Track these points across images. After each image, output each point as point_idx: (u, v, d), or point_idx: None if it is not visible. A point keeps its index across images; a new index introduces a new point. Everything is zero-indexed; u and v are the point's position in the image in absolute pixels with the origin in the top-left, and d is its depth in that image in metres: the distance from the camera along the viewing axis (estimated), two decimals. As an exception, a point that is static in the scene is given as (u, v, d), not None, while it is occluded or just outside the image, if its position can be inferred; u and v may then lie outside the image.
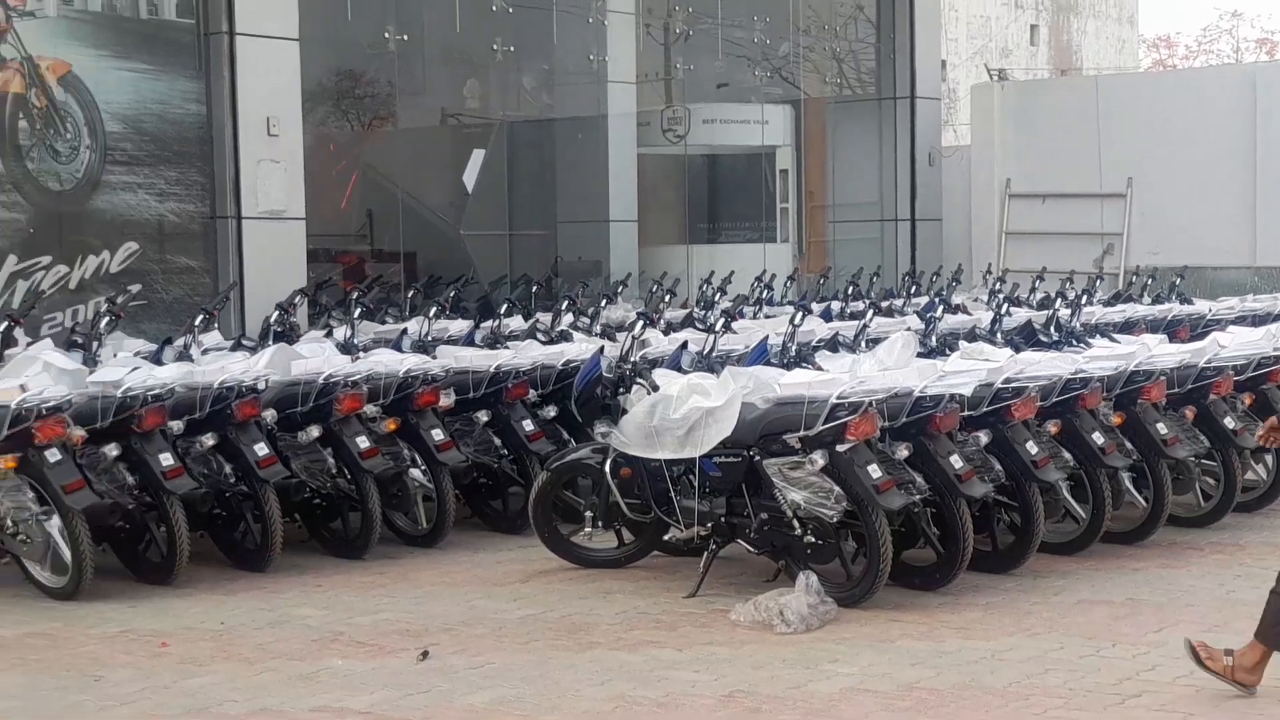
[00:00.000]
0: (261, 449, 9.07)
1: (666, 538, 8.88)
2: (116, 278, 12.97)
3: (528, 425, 10.28)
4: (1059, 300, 12.63)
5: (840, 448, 8.00)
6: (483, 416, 10.26)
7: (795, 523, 8.13)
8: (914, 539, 8.46)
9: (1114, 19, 43.96)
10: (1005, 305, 12.68)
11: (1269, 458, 10.61)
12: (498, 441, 10.25)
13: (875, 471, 7.99)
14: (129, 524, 8.88)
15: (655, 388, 8.75)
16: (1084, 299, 13.25)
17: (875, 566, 8.05)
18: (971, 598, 8.37)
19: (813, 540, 8.13)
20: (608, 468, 8.81)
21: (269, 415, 9.34)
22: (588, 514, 9.03)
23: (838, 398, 7.99)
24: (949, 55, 35.28)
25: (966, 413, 8.67)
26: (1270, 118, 18.63)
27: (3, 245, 12.39)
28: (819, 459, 7.99)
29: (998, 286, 15.50)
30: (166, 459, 8.70)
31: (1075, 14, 42.88)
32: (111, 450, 8.65)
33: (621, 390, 9.21)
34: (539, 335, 11.57)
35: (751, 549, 8.48)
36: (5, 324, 9.87)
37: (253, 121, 13.60)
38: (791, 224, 21.21)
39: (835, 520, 8.02)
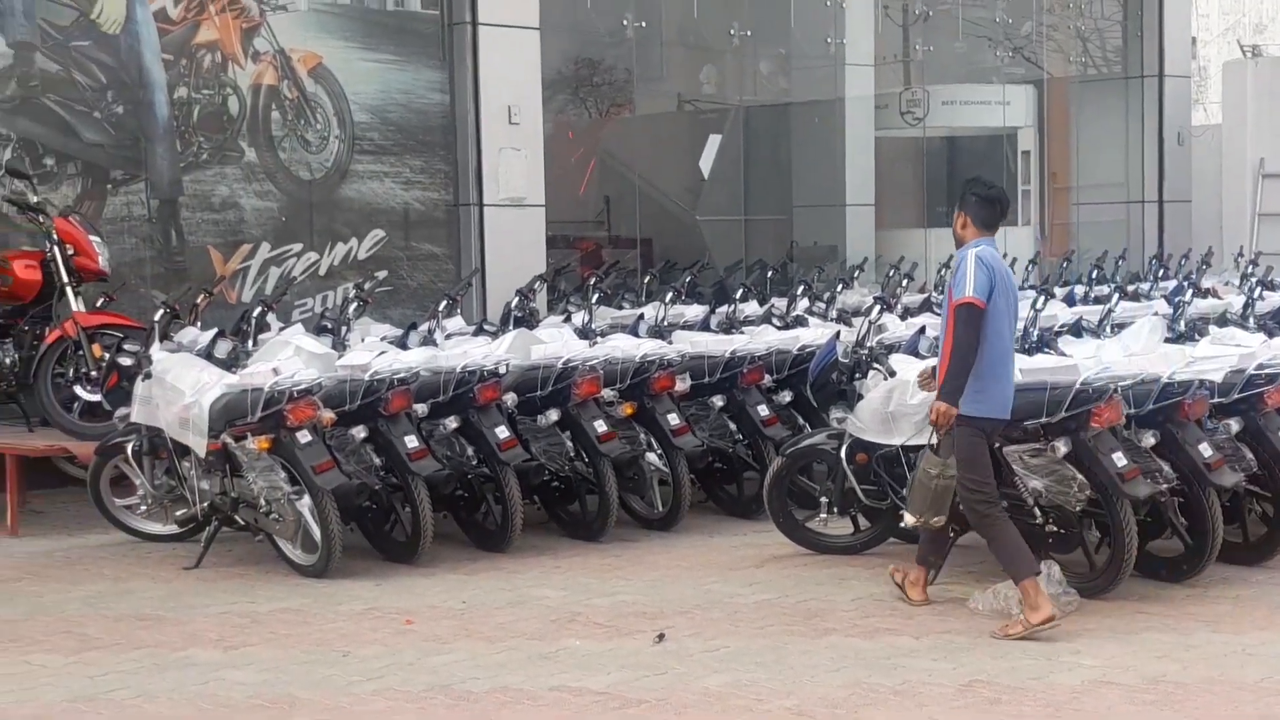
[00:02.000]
0: (502, 432, 9.23)
1: (903, 524, 8.79)
2: (364, 264, 13.32)
3: (763, 410, 10.27)
4: (1316, 283, 12.18)
5: (1084, 435, 7.82)
6: (718, 401, 10.29)
7: (1036, 511, 7.97)
8: (1160, 529, 8.24)
9: (1377, -10, 42.07)
10: (1258, 289, 12.28)
11: None
12: (733, 426, 10.28)
13: (1120, 459, 7.79)
14: (376, 504, 9.13)
15: (892, 373, 8.67)
16: (1343, 282, 12.75)
17: (1120, 557, 7.86)
18: (1220, 590, 8.12)
19: (1054, 529, 7.97)
20: (844, 453, 8.75)
21: (509, 399, 9.51)
22: (823, 500, 8.99)
23: (1082, 384, 7.81)
24: (1199, 32, 34.19)
25: (1217, 399, 8.42)
26: None
27: (257, 233, 12.81)
28: (1061, 446, 7.82)
29: (1250, 270, 15.00)
30: (411, 441, 8.90)
31: (1335, -15, 41.17)
32: (359, 432, 8.89)
33: (858, 376, 9.15)
34: (774, 320, 11.55)
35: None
36: (259, 309, 10.20)
37: (494, 110, 13.82)
38: (1034, 206, 20.78)
39: (1078, 509, 7.85)
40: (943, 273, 15.18)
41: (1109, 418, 7.82)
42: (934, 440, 7.73)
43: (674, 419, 9.83)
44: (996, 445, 8.00)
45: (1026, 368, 8.12)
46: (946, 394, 7.46)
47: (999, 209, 7.68)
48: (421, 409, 9.19)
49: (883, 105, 19.45)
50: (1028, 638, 7.26)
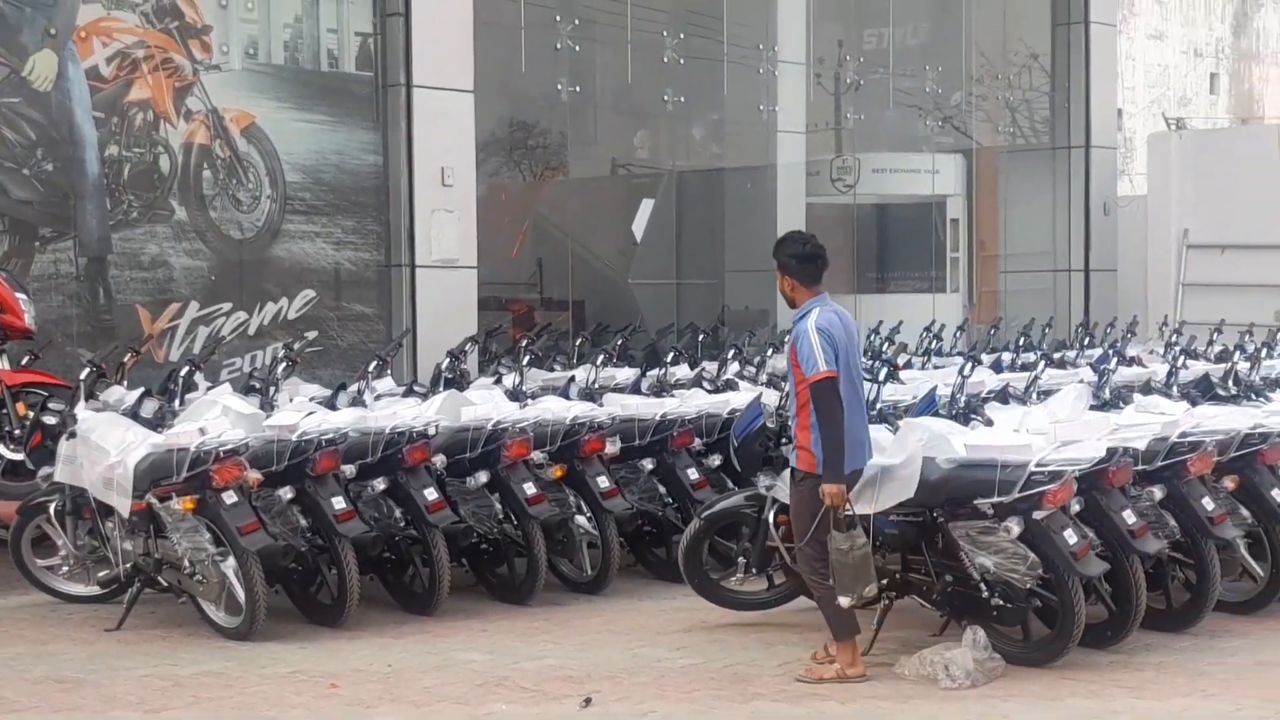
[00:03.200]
0: (431, 494, 9.20)
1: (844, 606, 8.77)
2: (294, 324, 13.27)
3: (692, 473, 10.29)
4: (1238, 353, 12.33)
5: (1037, 515, 7.81)
6: (648, 464, 10.30)
7: (983, 585, 7.94)
8: (1085, 596, 8.28)
9: (1298, 66, 42.91)
10: (1182, 358, 12.43)
11: None
12: (662, 489, 10.29)
13: (1072, 538, 7.81)
14: (301, 566, 9.06)
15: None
16: (1264, 352, 12.92)
17: (1069, 631, 7.86)
18: (1144, 657, 8.18)
19: (1000, 603, 7.93)
20: (771, 515, 8.74)
21: (439, 461, 9.48)
22: (740, 560, 8.99)
23: (1036, 465, 7.74)
24: (1125, 104, 34.72)
25: (1141, 467, 8.50)
26: None
27: (186, 292, 12.74)
28: (1015, 527, 7.76)
29: (1174, 339, 15.18)
30: (339, 502, 8.86)
31: (1257, 62, 41.95)
32: (286, 493, 8.84)
33: (784, 440, 9.16)
34: (705, 384, 11.57)
35: (928, 606, 8.36)
36: (186, 369, 10.12)
37: (428, 172, 13.84)
38: (962, 274, 20.99)
39: (1028, 586, 7.84)
40: (872, 338, 15.28)
41: (1062, 498, 7.82)
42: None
43: (604, 482, 9.84)
44: (941, 520, 8.00)
45: (971, 443, 8.11)
46: (830, 475, 7.55)
47: (819, 262, 7.85)
48: (349, 470, 9.15)
49: (814, 172, 19.63)
50: (833, 680, 7.61)
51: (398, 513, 9.21)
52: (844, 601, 7.68)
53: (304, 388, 11.06)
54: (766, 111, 18.85)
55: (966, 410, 9.32)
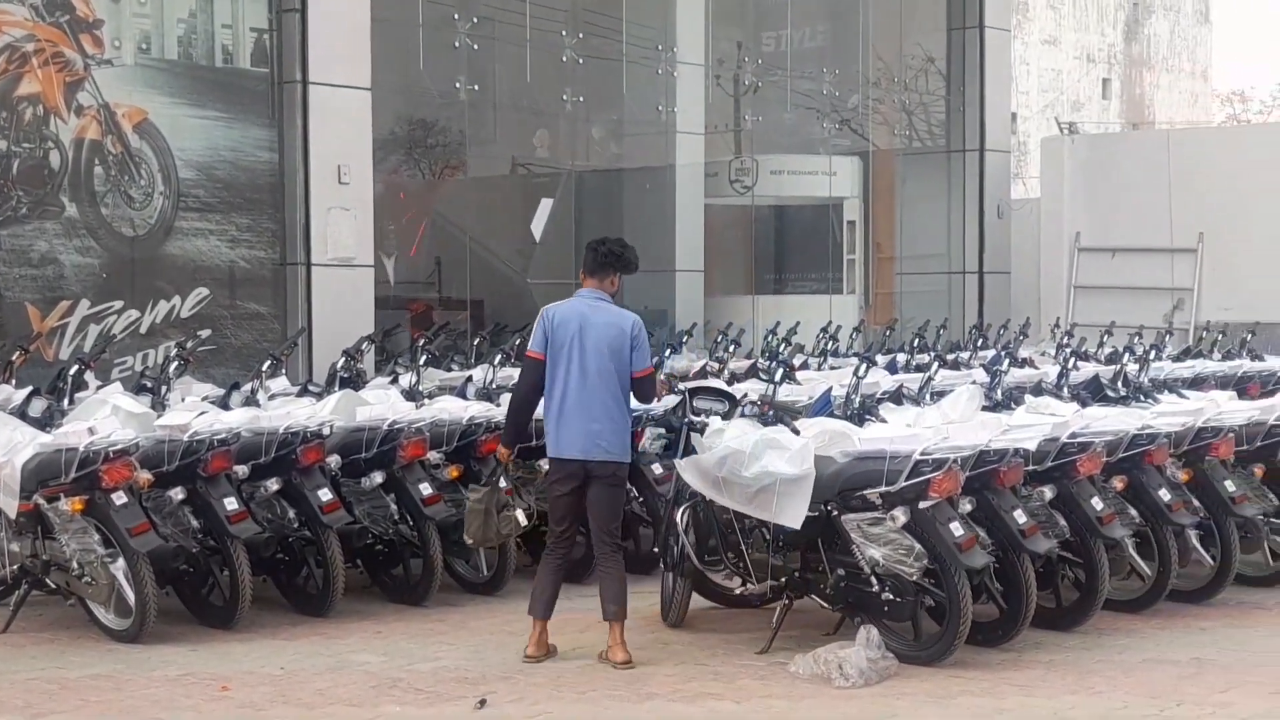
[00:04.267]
0: (325, 494, 9.13)
1: (737, 592, 8.82)
2: (187, 323, 13.12)
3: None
4: (1127, 355, 12.53)
5: (923, 504, 7.93)
6: (544, 464, 10.25)
7: (873, 579, 8.03)
8: (976, 594, 8.38)
9: (1187, 73, 43.73)
10: (1072, 359, 12.58)
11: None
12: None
13: (957, 529, 7.91)
14: (193, 568, 8.95)
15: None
16: (1153, 354, 13.14)
17: (955, 625, 7.95)
18: (1034, 655, 8.28)
19: (890, 598, 8.03)
20: (679, 515, 8.75)
21: (333, 461, 9.41)
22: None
23: (921, 454, 7.90)
24: (1019, 108, 35.20)
25: (1031, 467, 8.61)
26: (1344, 174, 18.45)
27: (76, 290, 12.56)
28: (901, 516, 7.91)
29: (1065, 340, 15.40)
30: (231, 503, 8.77)
31: (1148, 68, 42.70)
32: (177, 494, 8.73)
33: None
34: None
35: (825, 605, 8.41)
36: (76, 367, 9.97)
37: (324, 169, 13.74)
38: (858, 275, 21.17)
39: (914, 578, 7.93)
40: (769, 339, 15.40)
41: (947, 488, 7.93)
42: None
43: (501, 482, 9.78)
44: (834, 514, 8.07)
45: (865, 437, 8.22)
46: (504, 439, 8.55)
47: (597, 256, 8.26)
48: (242, 470, 9.06)
49: (713, 173, 19.71)
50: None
51: (291, 513, 9.13)
52: (467, 540, 8.68)
53: (197, 387, 10.95)
54: (665, 112, 18.89)
55: (861, 411, 9.38)
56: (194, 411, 9.09)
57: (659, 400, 8.87)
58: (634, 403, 8.39)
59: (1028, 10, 38.24)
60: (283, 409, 9.58)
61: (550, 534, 8.41)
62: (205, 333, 13.06)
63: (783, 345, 14.84)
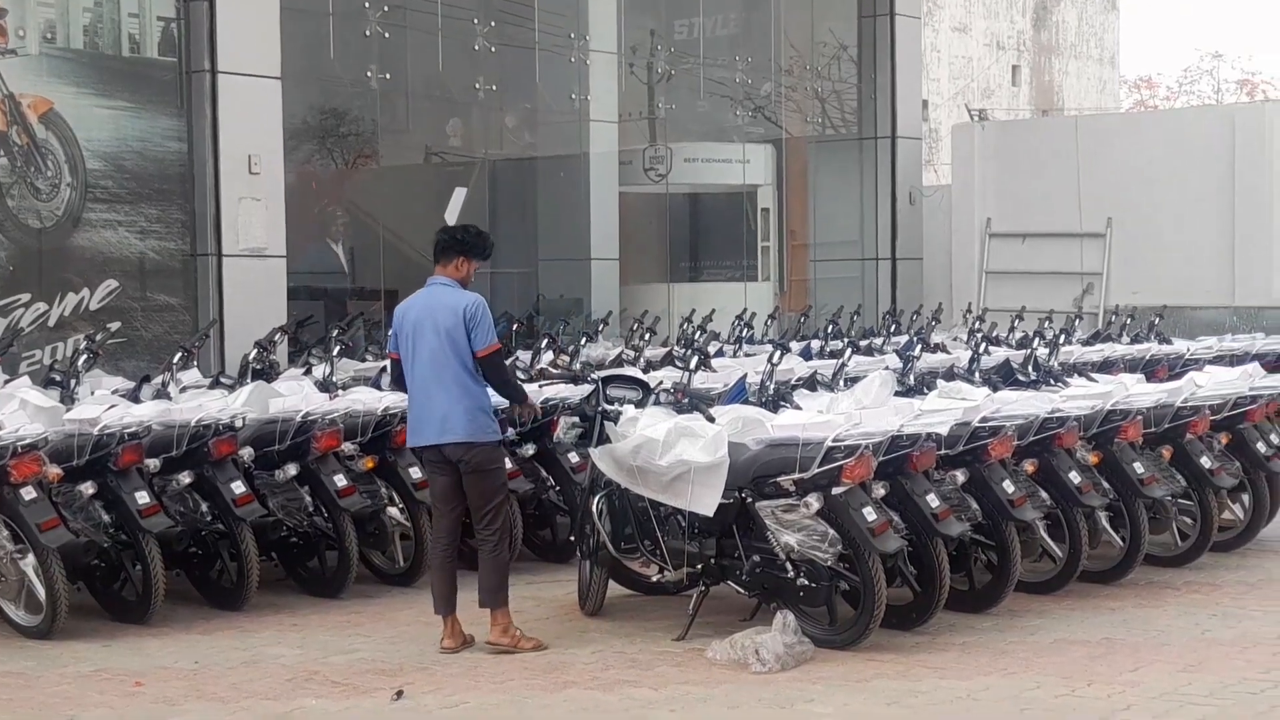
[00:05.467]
0: (238, 487, 9.06)
1: (654, 579, 8.83)
2: (96, 315, 12.96)
3: (507, 462, 10.24)
4: (1037, 339, 12.66)
5: (836, 490, 7.97)
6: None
7: (788, 565, 8.07)
8: (891, 578, 8.45)
9: (1095, 60, 44.22)
10: (984, 344, 12.70)
11: (1245, 497, 10.64)
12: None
13: (870, 514, 7.96)
14: (104, 562, 8.87)
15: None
16: (1062, 338, 13.28)
17: (870, 610, 8.00)
18: (948, 637, 8.36)
19: (805, 583, 8.07)
20: (594, 504, 8.75)
21: (246, 453, 9.34)
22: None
23: (833, 440, 7.95)
24: (930, 95, 35.45)
25: (943, 452, 8.68)
26: (1249, 159, 18.72)
27: (-18, 282, 12.39)
28: (814, 502, 7.95)
29: (977, 325, 15.53)
30: (142, 497, 8.68)
31: (1057, 55, 43.12)
32: (87, 488, 8.64)
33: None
34: (518, 373, 11.54)
35: (742, 591, 8.44)
36: (-18, 361, 9.86)
37: (234, 159, 13.61)
38: (772, 262, 21.26)
39: (828, 563, 7.99)
40: (684, 327, 15.43)
41: (860, 474, 7.98)
42: None
43: (416, 473, 9.72)
44: (749, 500, 8.10)
45: (778, 424, 8.25)
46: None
47: (439, 245, 8.36)
48: (154, 464, 8.98)
49: (627, 161, 19.72)
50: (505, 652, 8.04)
51: (204, 507, 9.06)
52: None
53: (106, 380, 10.83)
54: (578, 100, 18.88)
55: (775, 398, 9.43)
56: (104, 405, 9.00)
57: (530, 414, 8.93)
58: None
59: (938, -2, 38.51)
60: (194, 401, 9.49)
61: (433, 526, 8.41)
62: (115, 325, 12.90)
63: (698, 333, 14.88)
